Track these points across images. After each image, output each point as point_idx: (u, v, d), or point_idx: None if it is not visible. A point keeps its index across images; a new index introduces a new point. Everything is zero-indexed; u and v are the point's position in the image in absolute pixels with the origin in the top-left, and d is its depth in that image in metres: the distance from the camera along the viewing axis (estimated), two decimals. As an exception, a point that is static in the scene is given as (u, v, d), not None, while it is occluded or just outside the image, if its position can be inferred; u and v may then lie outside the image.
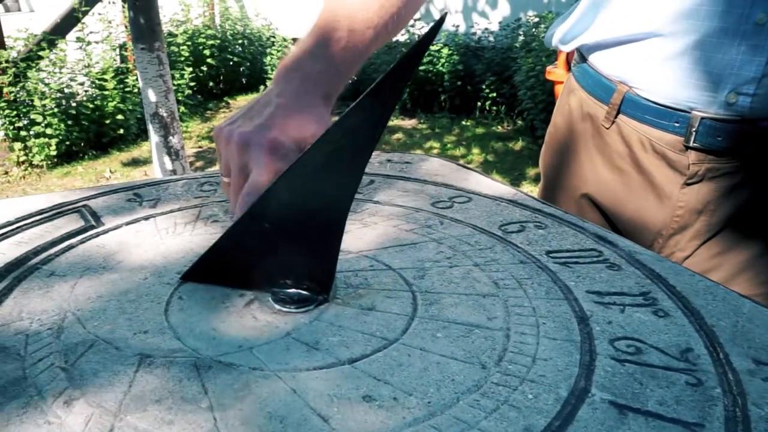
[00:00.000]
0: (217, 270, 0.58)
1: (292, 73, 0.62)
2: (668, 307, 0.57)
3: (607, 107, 0.92)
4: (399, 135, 5.04)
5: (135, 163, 4.51)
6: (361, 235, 0.70)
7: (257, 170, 0.56)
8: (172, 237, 0.69)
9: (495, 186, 0.86)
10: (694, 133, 0.84)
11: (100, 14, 4.91)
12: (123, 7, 4.70)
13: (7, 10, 7.36)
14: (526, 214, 0.77)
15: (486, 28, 5.70)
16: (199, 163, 4.54)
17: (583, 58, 0.96)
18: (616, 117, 0.91)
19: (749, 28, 0.78)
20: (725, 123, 0.82)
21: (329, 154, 0.50)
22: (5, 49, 4.32)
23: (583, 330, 0.54)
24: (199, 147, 4.91)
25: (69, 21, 4.68)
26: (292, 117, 0.59)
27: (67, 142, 4.44)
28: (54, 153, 4.30)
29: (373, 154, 0.97)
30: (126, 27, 4.77)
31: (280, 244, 0.56)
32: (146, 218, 0.73)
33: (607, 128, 0.93)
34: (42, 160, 4.29)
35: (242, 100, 6.21)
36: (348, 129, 0.49)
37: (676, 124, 0.86)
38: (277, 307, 0.56)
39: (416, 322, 0.54)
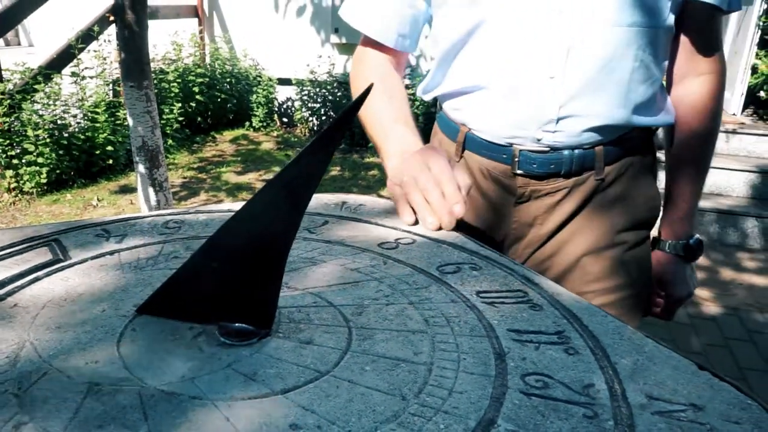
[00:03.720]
0: (170, 304, 0.60)
1: (408, 155, 0.95)
2: (579, 345, 0.60)
3: (455, 144, 1.11)
4: (375, 171, 5.09)
5: (122, 191, 4.49)
6: (310, 273, 0.73)
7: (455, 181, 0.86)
8: (134, 271, 0.71)
9: (439, 228, 0.89)
10: (516, 162, 1.04)
11: (95, 51, 4.93)
12: (117, 45, 4.73)
13: (8, 44, 7.36)
14: (463, 256, 0.80)
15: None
16: (184, 193, 4.54)
17: (440, 107, 1.15)
18: (462, 152, 1.11)
19: (545, 81, 0.97)
20: (537, 154, 1.02)
21: (269, 203, 0.53)
22: (2, 81, 4.31)
23: (499, 365, 0.56)
24: (185, 178, 4.91)
25: (65, 56, 4.69)
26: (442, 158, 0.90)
27: (58, 171, 4.41)
28: (44, 181, 4.28)
29: (332, 195, 1.00)
30: (120, 64, 4.79)
31: (226, 282, 0.58)
32: (111, 253, 0.75)
33: (458, 161, 1.11)
34: (32, 188, 4.26)
35: (228, 135, 6.23)
36: (285, 182, 0.52)
37: (504, 156, 1.05)
38: (223, 339, 0.58)
39: (348, 355, 0.57)
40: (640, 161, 1.08)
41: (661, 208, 1.16)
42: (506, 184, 1.06)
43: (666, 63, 1.05)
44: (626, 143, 1.05)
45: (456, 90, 1.06)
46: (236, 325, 0.59)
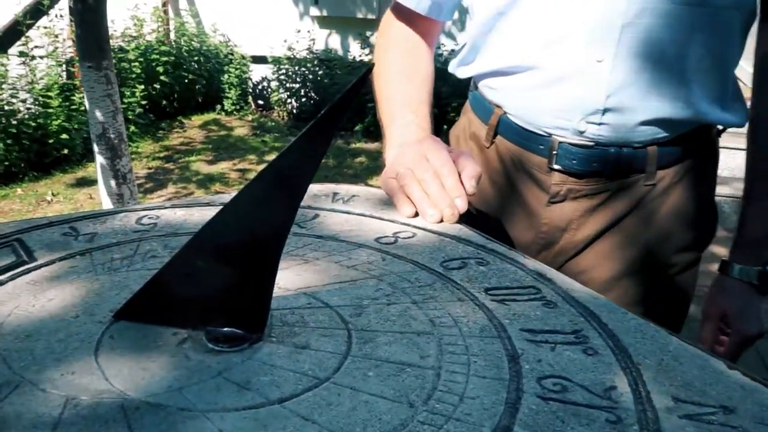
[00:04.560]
0: (151, 308, 0.61)
1: (405, 146, 0.95)
2: (598, 345, 0.62)
3: (487, 128, 1.08)
4: (362, 159, 5.10)
5: (80, 184, 4.47)
6: (301, 271, 0.74)
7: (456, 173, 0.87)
8: (108, 273, 0.71)
9: (441, 221, 0.90)
10: (555, 156, 0.99)
11: (45, 28, 4.89)
12: (70, 20, 4.69)
13: (-55, 20, 7.25)
14: (468, 250, 0.81)
15: (453, 50, 5.83)
16: (149, 185, 4.52)
17: (475, 85, 1.12)
18: (494, 137, 1.07)
19: (591, 64, 0.92)
20: (580, 148, 0.98)
21: (261, 196, 0.54)
22: (-59, 62, 4.26)
23: (513, 368, 0.58)
24: (150, 168, 4.89)
25: (11, 34, 4.65)
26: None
27: (6, 163, 4.38)
28: (-9, 174, 4.24)
29: (321, 186, 1.01)
30: (73, 42, 4.74)
31: (214, 283, 0.59)
32: (82, 253, 0.76)
33: (488, 147, 1.08)
34: (-22, 182, 4.23)
35: (197, 120, 6.21)
36: (278, 173, 0.53)
37: (541, 147, 1.01)
38: (211, 345, 0.59)
39: (349, 360, 0.58)
40: (700, 167, 1.03)
41: (715, 223, 1.09)
42: (540, 180, 1.03)
43: (741, 50, 0.97)
44: (685, 144, 0.99)
45: (492, 69, 1.03)
46: (225, 329, 0.60)
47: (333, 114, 0.52)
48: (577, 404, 0.53)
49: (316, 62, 6.08)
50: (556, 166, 1.00)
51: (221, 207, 0.58)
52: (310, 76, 6.05)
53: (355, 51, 6.28)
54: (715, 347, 1.08)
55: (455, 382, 0.55)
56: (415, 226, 0.87)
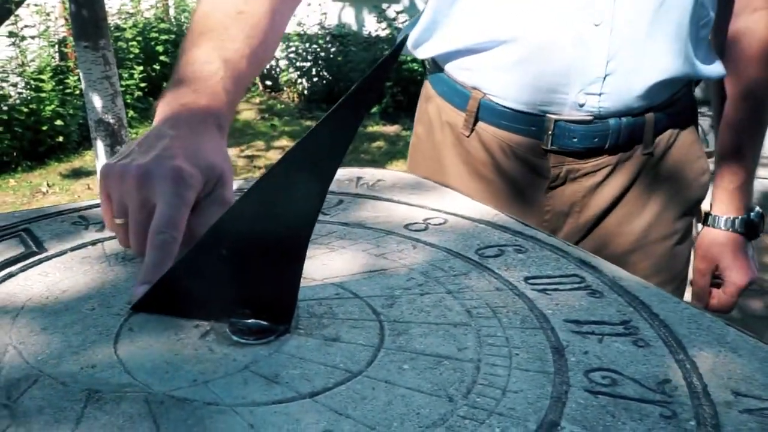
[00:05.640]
0: (171, 299, 0.63)
1: (179, 108, 0.70)
2: (649, 336, 0.63)
3: (464, 114, 1.03)
4: (380, 143, 5.11)
5: (76, 175, 4.53)
6: (327, 260, 0.75)
7: (164, 203, 0.61)
8: (122, 264, 0.73)
9: (474, 206, 0.91)
10: (550, 136, 0.99)
11: (36, 6, 4.94)
12: (63, -3, 4.74)
13: (-72, -2, 7.35)
14: (505, 237, 0.82)
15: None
16: (150, 176, 4.56)
17: (437, 65, 1.07)
18: (474, 124, 1.04)
19: (587, 29, 0.92)
20: (578, 124, 0.98)
21: (287, 179, 0.56)
22: (-74, 44, 4.33)
23: (558, 361, 0.59)
24: (151, 157, 4.93)
25: None
26: (191, 145, 0.66)
27: (-2, 152, 4.45)
28: (-18, 164, 4.31)
29: (344, 170, 1.03)
30: (66, 20, 4.80)
31: (238, 272, 0.61)
32: (93, 243, 0.78)
33: (467, 136, 1.05)
34: (-32, 173, 4.30)
35: (200, 103, 6.25)
36: (306, 153, 0.55)
37: (533, 129, 1.00)
38: (235, 338, 0.60)
39: (382, 353, 0.59)
40: (688, 128, 1.07)
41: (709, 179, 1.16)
42: (535, 164, 1.03)
43: None
44: (674, 106, 1.03)
45: (463, 46, 1.00)
46: (250, 321, 0.61)
47: (365, 90, 0.53)
48: (628, 398, 0.54)
49: (328, 38, 6.09)
50: (552, 147, 1.00)
51: (242, 193, 0.59)
52: (322, 54, 6.06)
53: (371, 26, 6.28)
54: (710, 302, 1.16)
55: (496, 375, 0.57)
56: (446, 212, 0.88)
